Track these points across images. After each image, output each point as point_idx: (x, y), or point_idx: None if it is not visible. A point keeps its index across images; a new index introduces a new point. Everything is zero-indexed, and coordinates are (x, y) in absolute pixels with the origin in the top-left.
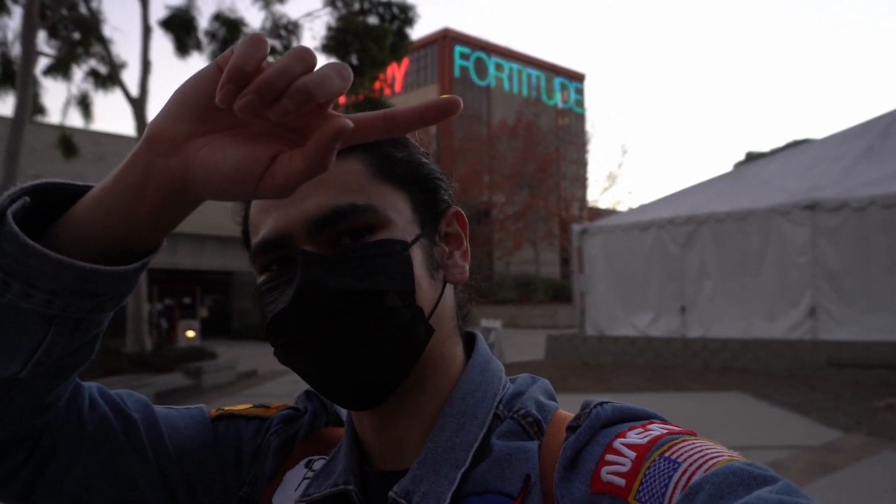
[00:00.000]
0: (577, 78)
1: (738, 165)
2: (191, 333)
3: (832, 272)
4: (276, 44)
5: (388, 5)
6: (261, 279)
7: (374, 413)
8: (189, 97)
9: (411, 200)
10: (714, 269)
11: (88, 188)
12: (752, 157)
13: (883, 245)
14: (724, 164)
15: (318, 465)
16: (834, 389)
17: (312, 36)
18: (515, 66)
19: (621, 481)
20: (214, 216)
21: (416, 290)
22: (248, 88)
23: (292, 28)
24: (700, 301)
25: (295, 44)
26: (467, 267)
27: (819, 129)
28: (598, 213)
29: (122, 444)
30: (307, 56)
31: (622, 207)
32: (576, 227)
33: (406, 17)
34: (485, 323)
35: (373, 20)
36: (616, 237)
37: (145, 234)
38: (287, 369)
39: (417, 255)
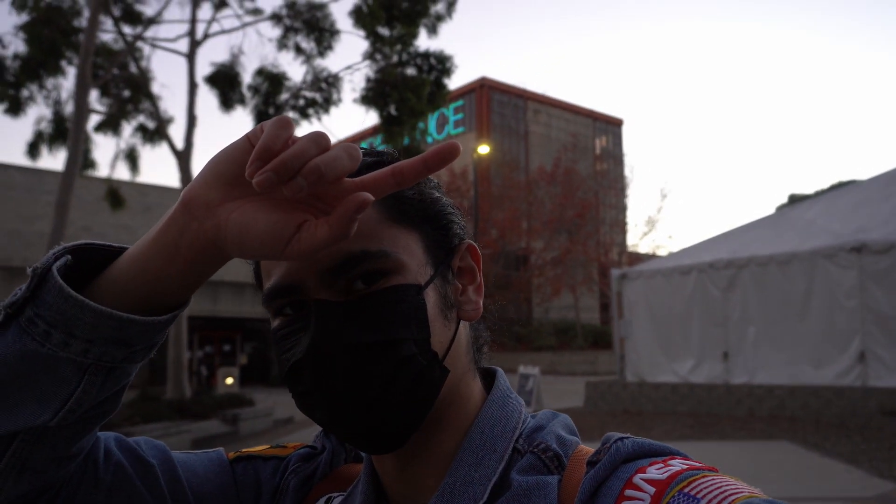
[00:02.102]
0: (615, 123)
1: (781, 208)
2: (230, 380)
3: (882, 316)
4: (317, 96)
5: (426, 56)
6: (275, 323)
7: (392, 454)
8: (222, 166)
9: (423, 240)
10: (757, 313)
11: (123, 249)
12: (794, 200)
13: None
14: (766, 208)
15: (336, 502)
16: (887, 439)
17: (352, 88)
18: (553, 112)
19: None
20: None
21: (430, 336)
22: (266, 167)
23: (332, 81)
24: (743, 347)
25: (335, 96)
26: (481, 302)
27: (864, 170)
28: (637, 258)
29: (139, 491)
30: (321, 139)
31: (662, 252)
32: (615, 272)
33: (443, 67)
34: (523, 370)
35: (411, 71)
36: (656, 282)
37: (176, 290)
38: None
39: (431, 298)
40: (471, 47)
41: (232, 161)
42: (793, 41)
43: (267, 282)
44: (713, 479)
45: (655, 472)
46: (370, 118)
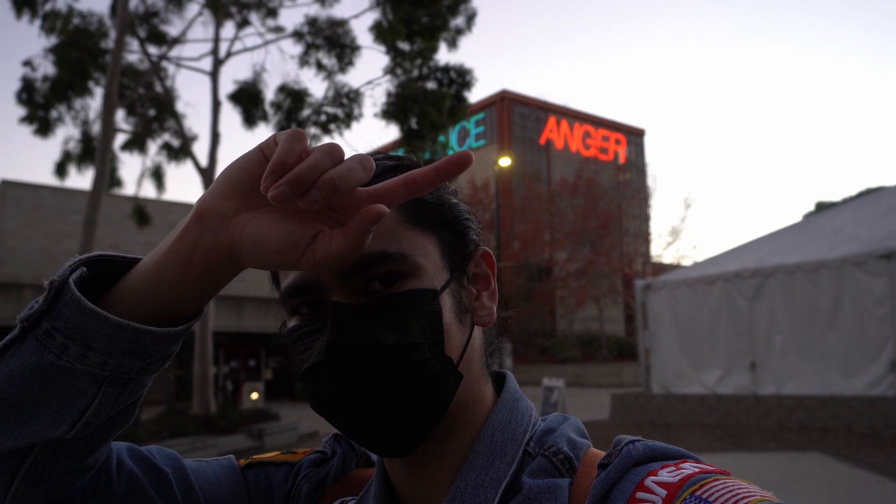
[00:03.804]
0: (637, 133)
1: (808, 216)
2: (255, 395)
3: None
4: (339, 112)
5: (447, 70)
6: (291, 322)
7: (404, 458)
8: (235, 178)
9: (441, 244)
10: (784, 322)
11: (137, 260)
12: (822, 208)
13: None
14: (792, 216)
15: None
16: None
17: (373, 103)
18: (574, 123)
19: None
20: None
21: (445, 341)
22: (281, 181)
23: (353, 96)
24: (771, 357)
25: (357, 111)
26: (495, 308)
27: (892, 176)
28: (661, 269)
29: (153, 499)
30: (335, 152)
31: (687, 262)
32: (639, 283)
33: (464, 80)
34: (547, 382)
35: (431, 85)
36: (681, 292)
37: (190, 300)
38: None
39: (447, 302)
40: (491, 60)
41: (245, 172)
42: (818, 51)
43: (284, 280)
44: (725, 483)
45: (667, 475)
46: (391, 132)
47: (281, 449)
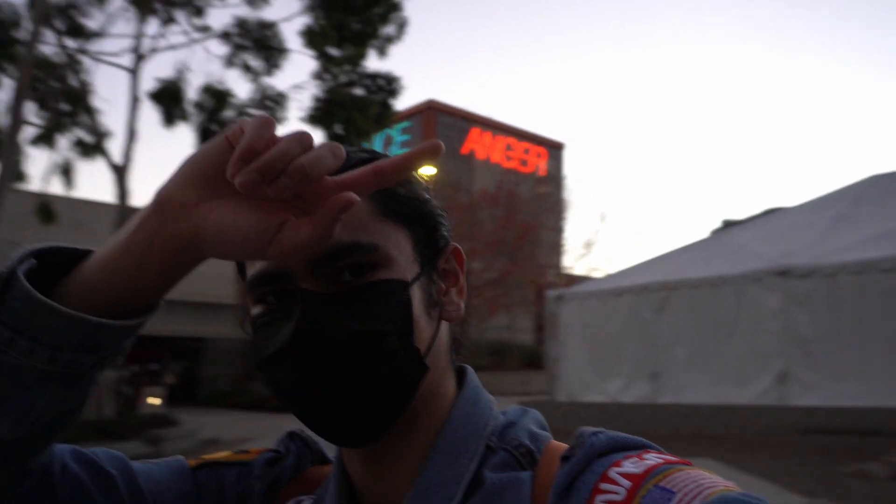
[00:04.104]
0: (557, 146)
1: (715, 232)
2: (154, 400)
3: (803, 338)
4: (263, 114)
5: (375, 77)
6: (255, 311)
7: (365, 450)
8: (199, 166)
9: (412, 238)
10: (687, 334)
11: (89, 252)
12: (728, 225)
13: (851, 312)
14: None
15: None
16: (802, 455)
17: (299, 107)
18: (497, 135)
19: None
20: (187, 282)
21: (414, 332)
22: (250, 167)
23: (279, 99)
24: (672, 367)
25: (281, 114)
26: (463, 304)
27: (792, 197)
28: (573, 280)
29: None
30: (305, 139)
31: (598, 274)
32: (550, 294)
33: (391, 88)
34: None
35: (359, 91)
36: (591, 303)
37: (147, 293)
38: (251, 436)
39: (416, 295)
40: (421, 69)
41: (210, 160)
42: (731, 75)
43: (251, 269)
44: (688, 473)
45: (630, 465)
46: (316, 137)
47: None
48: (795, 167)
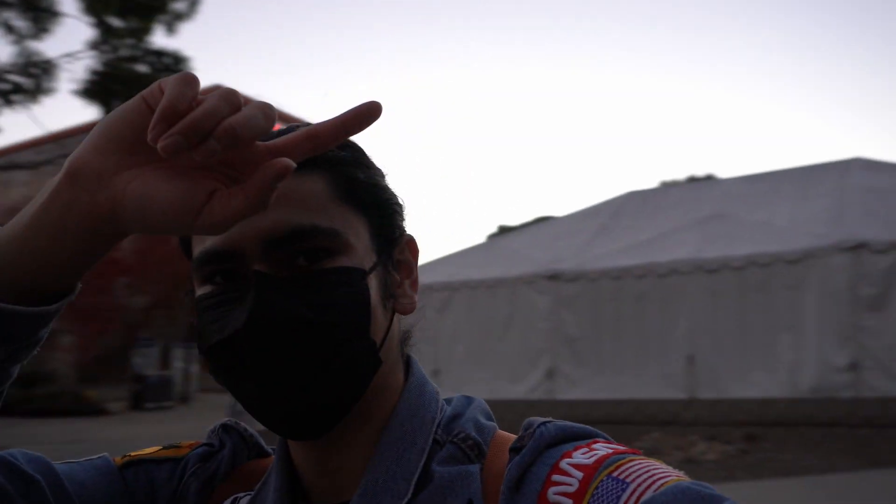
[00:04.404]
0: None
1: (491, 237)
2: None
3: (569, 337)
4: (27, 82)
5: (160, 54)
6: (202, 291)
7: (313, 444)
8: (115, 130)
9: (370, 225)
10: (466, 333)
11: None
12: (504, 230)
13: (610, 313)
14: (479, 236)
15: (244, 502)
16: None
17: (71, 78)
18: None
19: (569, 501)
20: None
21: (371, 324)
22: (173, 129)
23: (47, 67)
24: (452, 364)
25: (49, 84)
26: (416, 297)
27: (563, 205)
28: None
29: None
30: (232, 97)
31: None
32: None
33: (178, 68)
34: None
35: (142, 68)
36: None
37: (63, 273)
38: None
39: (373, 285)
40: (218, 55)
41: (127, 124)
42: (502, 85)
43: (199, 245)
44: (640, 463)
45: (581, 456)
46: (90, 113)
47: (160, 444)
48: (564, 177)
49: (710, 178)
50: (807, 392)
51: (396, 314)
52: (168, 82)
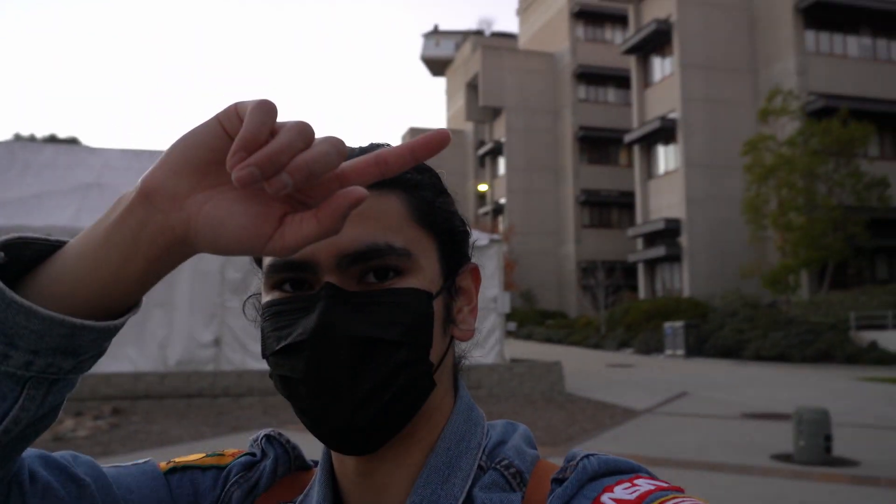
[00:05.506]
0: None
1: None
2: None
3: None
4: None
5: None
6: (269, 297)
7: (360, 460)
8: (191, 152)
9: (440, 250)
10: None
11: (61, 243)
12: None
13: None
14: None
15: None
16: None
17: None
18: None
19: None
20: None
21: (432, 346)
22: (250, 160)
23: None
24: None
25: None
26: (474, 324)
27: None
28: None
29: None
30: (307, 131)
31: None
32: None
33: None
34: None
35: None
36: None
37: (131, 290)
38: None
39: (437, 308)
40: None
41: (203, 147)
42: None
43: None
44: (683, 501)
45: (623, 492)
46: None
47: (206, 451)
48: None
49: (75, 141)
50: (174, 366)
51: (454, 339)
52: (246, 109)
